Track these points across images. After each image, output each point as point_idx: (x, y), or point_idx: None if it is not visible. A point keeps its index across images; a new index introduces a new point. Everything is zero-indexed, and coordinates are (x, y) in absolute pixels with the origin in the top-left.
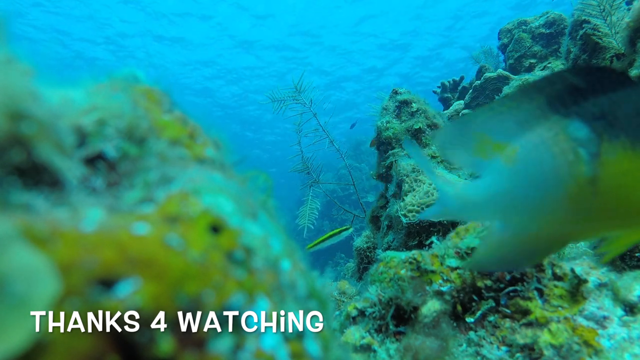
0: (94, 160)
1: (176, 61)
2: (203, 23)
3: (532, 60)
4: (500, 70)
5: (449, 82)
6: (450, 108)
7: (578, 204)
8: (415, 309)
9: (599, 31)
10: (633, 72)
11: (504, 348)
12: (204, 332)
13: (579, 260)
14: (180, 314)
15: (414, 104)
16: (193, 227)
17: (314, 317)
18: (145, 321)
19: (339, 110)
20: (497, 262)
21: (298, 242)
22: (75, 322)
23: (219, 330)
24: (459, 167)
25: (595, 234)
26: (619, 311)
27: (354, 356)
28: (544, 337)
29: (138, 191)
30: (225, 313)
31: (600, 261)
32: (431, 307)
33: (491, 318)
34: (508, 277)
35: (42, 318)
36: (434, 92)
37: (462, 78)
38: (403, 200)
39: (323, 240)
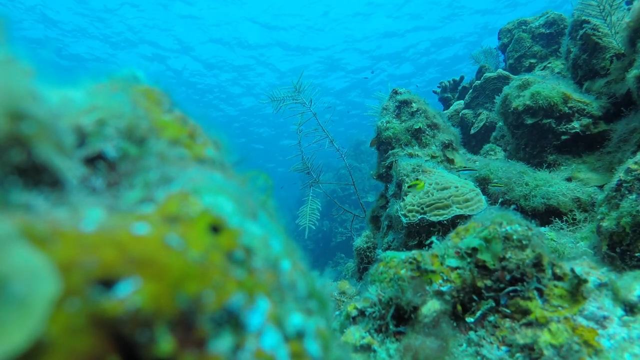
0: (94, 160)
1: None
2: None
3: (532, 60)
4: (500, 70)
5: (449, 82)
6: (450, 108)
7: None
8: (415, 308)
9: (599, 31)
10: (633, 72)
11: (504, 348)
12: (204, 332)
13: (579, 260)
14: (180, 314)
15: (414, 104)
16: (193, 227)
17: (314, 317)
18: (145, 321)
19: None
20: None
21: (299, 243)
22: (76, 322)
23: (219, 330)
24: (459, 167)
25: None
26: (619, 311)
27: (354, 356)
28: (544, 337)
29: (138, 191)
30: (225, 313)
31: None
32: (431, 307)
33: (491, 318)
34: (508, 277)
35: (42, 318)
36: (434, 92)
37: (462, 78)
38: (403, 200)
39: None
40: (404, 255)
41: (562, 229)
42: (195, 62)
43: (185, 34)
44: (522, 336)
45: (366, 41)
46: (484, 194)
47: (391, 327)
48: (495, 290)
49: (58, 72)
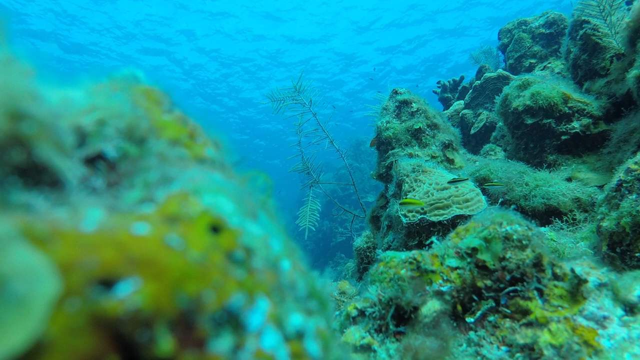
0: (94, 160)
1: None
2: None
3: (532, 60)
4: (500, 70)
5: (449, 82)
6: (450, 108)
7: None
8: (415, 309)
9: (598, 31)
10: (633, 72)
11: (504, 348)
12: (204, 332)
13: (579, 260)
14: (180, 314)
15: (414, 104)
16: (193, 227)
17: (314, 317)
18: (145, 321)
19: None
20: None
21: (299, 243)
22: (76, 322)
23: (219, 330)
24: (459, 167)
25: None
26: (619, 311)
27: (354, 356)
28: (544, 337)
29: (138, 191)
30: (225, 313)
31: None
32: (431, 307)
33: (491, 318)
34: (508, 277)
35: (42, 318)
36: (434, 92)
37: (462, 78)
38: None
39: None
40: (404, 255)
41: (562, 229)
42: (199, 55)
43: (189, 26)
44: (522, 336)
45: (375, 36)
46: (483, 194)
47: (391, 327)
48: (495, 290)
49: (59, 70)
